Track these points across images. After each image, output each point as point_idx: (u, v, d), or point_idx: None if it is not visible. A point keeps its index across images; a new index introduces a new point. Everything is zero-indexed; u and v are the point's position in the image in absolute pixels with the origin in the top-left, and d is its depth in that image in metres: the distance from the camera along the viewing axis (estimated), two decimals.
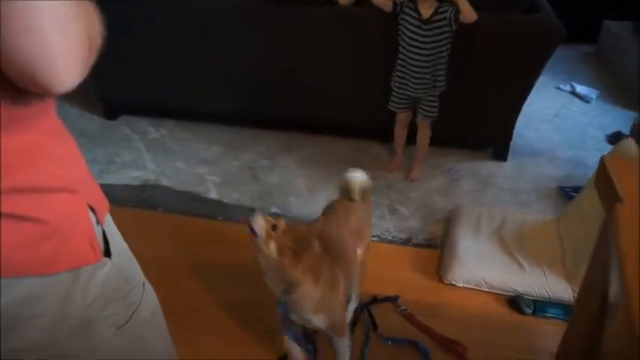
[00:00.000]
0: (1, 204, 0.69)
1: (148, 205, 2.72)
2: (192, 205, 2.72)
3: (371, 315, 2.07)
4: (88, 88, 3.47)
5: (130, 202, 2.73)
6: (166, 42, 3.04)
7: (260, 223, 1.48)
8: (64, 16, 0.62)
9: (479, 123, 2.98)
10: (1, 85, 0.65)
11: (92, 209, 0.83)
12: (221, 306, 2.12)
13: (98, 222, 0.85)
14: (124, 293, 0.92)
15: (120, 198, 2.74)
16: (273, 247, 1.48)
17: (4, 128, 0.68)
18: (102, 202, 0.89)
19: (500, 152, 3.09)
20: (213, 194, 2.81)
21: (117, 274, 0.89)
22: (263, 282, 1.60)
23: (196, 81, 3.19)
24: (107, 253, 0.87)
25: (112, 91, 3.39)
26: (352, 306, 1.97)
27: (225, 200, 2.76)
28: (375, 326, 2.03)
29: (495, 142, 3.12)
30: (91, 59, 0.71)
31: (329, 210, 1.90)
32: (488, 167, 3.03)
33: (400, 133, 2.90)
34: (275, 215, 1.56)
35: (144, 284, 1.01)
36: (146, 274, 2.09)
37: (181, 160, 3.08)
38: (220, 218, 2.62)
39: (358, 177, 1.96)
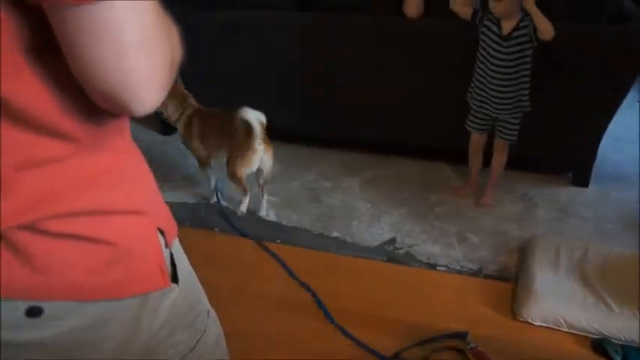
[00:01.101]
0: (72, 226, 0.72)
1: (203, 224, 2.78)
2: (249, 226, 2.75)
3: None
4: None
5: (185, 221, 2.80)
6: (222, 55, 3.13)
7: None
8: (150, 32, 0.63)
9: (558, 144, 2.89)
10: (78, 104, 0.67)
11: (161, 232, 0.85)
12: (265, 338, 2.11)
13: (167, 245, 0.87)
14: (189, 320, 0.93)
15: (176, 216, 2.77)
16: None
17: (79, 148, 0.70)
18: (171, 225, 0.91)
19: (582, 177, 2.99)
20: (272, 216, 2.84)
21: (183, 300, 0.90)
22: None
23: (256, 94, 3.24)
24: (174, 278, 0.88)
25: None
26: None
27: (284, 222, 2.78)
28: None
29: (576, 165, 3.02)
30: (172, 78, 0.72)
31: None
32: (568, 193, 2.93)
33: (475, 157, 2.84)
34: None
35: (208, 311, 1.02)
36: None
37: None
38: (278, 241, 2.64)
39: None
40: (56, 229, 0.72)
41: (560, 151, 2.93)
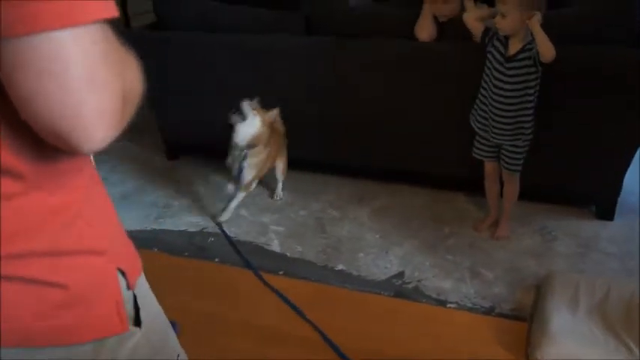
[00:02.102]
0: (21, 268, 0.70)
1: (204, 254, 2.77)
2: (252, 257, 2.73)
3: None
4: (149, 125, 3.65)
5: (185, 250, 2.79)
6: (230, 80, 3.14)
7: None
8: (99, 64, 0.61)
9: (580, 175, 2.84)
10: (28, 141, 0.66)
11: (122, 273, 0.83)
12: None
13: (129, 287, 0.85)
14: None
15: (175, 245, 2.81)
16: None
17: (30, 187, 0.69)
18: (134, 265, 0.89)
19: (606, 210, 2.92)
20: (275, 246, 2.82)
21: (147, 344, 0.88)
22: None
23: None
24: (137, 321, 0.87)
25: (175, 130, 3.53)
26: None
27: (288, 254, 2.76)
28: None
29: (600, 197, 2.96)
30: (128, 114, 0.71)
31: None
32: (590, 227, 2.87)
33: (491, 186, 2.80)
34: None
35: (178, 355, 1.00)
36: (196, 329, 2.11)
37: (243, 206, 3.12)
38: (281, 273, 2.61)
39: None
40: (5, 271, 0.70)
41: (583, 181, 2.88)
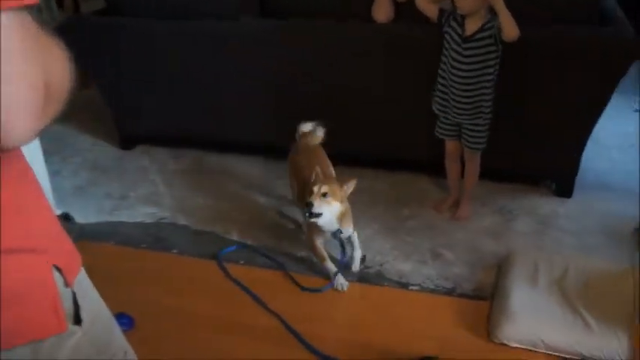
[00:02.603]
0: None
1: (161, 246, 2.74)
2: (211, 247, 2.71)
3: None
4: (104, 115, 3.59)
5: (142, 242, 2.76)
6: (187, 66, 3.11)
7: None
8: (6, 53, 0.59)
9: (538, 153, 2.89)
10: None
11: (59, 270, 0.82)
12: None
13: (67, 284, 0.83)
14: None
15: (132, 237, 2.78)
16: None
17: None
18: (72, 261, 0.87)
19: (564, 187, 2.99)
20: (235, 236, 2.80)
21: (88, 344, 0.87)
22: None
23: (220, 108, 3.23)
24: (77, 319, 0.85)
25: (129, 120, 3.48)
26: None
27: (248, 242, 2.75)
28: None
29: (558, 175, 3.02)
30: (53, 108, 0.69)
31: (308, 154, 2.64)
32: (548, 204, 2.93)
33: (452, 166, 2.83)
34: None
35: (125, 352, 0.99)
36: (155, 323, 2.09)
37: (202, 195, 3.11)
38: (242, 262, 2.60)
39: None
40: None
41: (541, 159, 2.93)
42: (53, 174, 3.15)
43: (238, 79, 3.07)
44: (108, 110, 3.49)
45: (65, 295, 0.83)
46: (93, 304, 0.91)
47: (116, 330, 0.99)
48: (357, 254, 2.50)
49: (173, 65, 3.14)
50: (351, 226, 2.44)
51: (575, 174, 2.93)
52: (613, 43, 2.56)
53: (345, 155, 3.21)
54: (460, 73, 2.48)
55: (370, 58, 2.86)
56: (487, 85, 2.49)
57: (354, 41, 2.85)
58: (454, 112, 2.59)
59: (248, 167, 3.33)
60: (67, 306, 0.84)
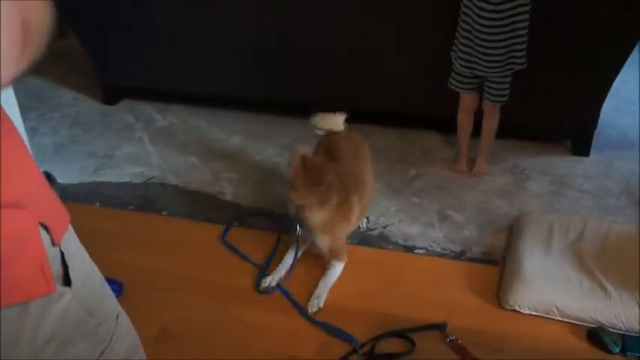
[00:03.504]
0: None
1: (150, 207, 2.74)
2: (203, 208, 2.71)
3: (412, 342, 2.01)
4: (84, 68, 3.54)
5: (129, 203, 2.75)
6: (172, 15, 3.05)
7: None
8: None
9: (554, 108, 2.88)
10: None
11: (45, 228, 0.81)
12: (232, 329, 2.10)
13: (54, 243, 0.82)
14: (89, 329, 0.90)
15: (118, 199, 2.77)
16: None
17: None
18: (59, 219, 0.86)
19: (581, 144, 2.98)
20: (228, 196, 2.80)
21: (79, 306, 0.87)
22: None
23: (209, 60, 3.19)
24: (66, 280, 0.84)
25: (112, 72, 3.43)
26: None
27: (242, 203, 2.75)
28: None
29: (575, 131, 3.01)
30: (31, 52, 0.66)
31: (330, 146, 2.42)
32: (564, 163, 2.93)
33: (465, 121, 2.81)
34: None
35: (118, 316, 0.98)
36: (145, 289, 2.10)
37: (192, 153, 3.10)
38: (236, 224, 2.61)
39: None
40: None
41: (557, 115, 2.92)
42: (31, 131, 3.13)
43: (230, 30, 3.02)
44: (88, 62, 3.44)
45: (53, 254, 0.82)
46: (83, 264, 0.91)
47: (108, 292, 0.98)
48: (321, 292, 2.22)
49: (160, 14, 3.08)
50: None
51: (594, 130, 2.92)
52: None
53: (348, 110, 3.21)
54: (489, 23, 2.42)
55: (372, 10, 2.81)
56: (521, 33, 2.45)
57: None
58: (482, 67, 2.55)
59: (238, 123, 3.30)
60: (55, 266, 0.83)
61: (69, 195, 2.77)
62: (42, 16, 0.68)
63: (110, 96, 3.55)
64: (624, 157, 2.95)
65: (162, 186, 2.88)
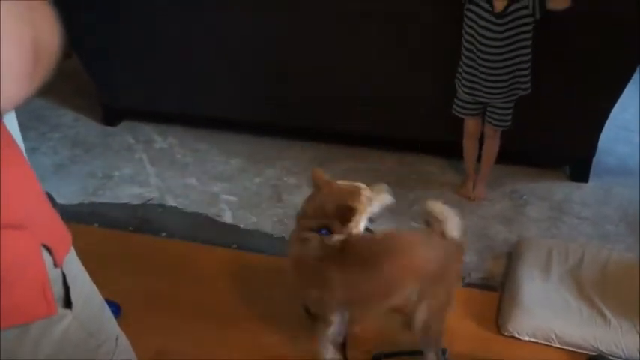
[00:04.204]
0: None
1: (149, 229, 2.74)
2: (202, 230, 2.71)
3: None
4: (86, 88, 3.55)
5: (128, 225, 2.75)
6: (174, 38, 3.08)
7: None
8: None
9: (553, 134, 2.89)
10: None
11: (48, 249, 0.81)
12: (230, 354, 2.08)
13: (56, 265, 0.82)
14: (89, 351, 0.90)
15: (117, 220, 2.77)
16: None
17: None
18: (62, 240, 0.86)
19: (580, 171, 2.99)
20: (227, 217, 2.80)
21: (79, 327, 0.87)
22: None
23: (210, 82, 3.21)
24: (67, 302, 0.84)
25: (114, 93, 3.44)
26: None
27: (241, 225, 2.75)
28: None
29: (574, 158, 3.02)
30: (43, 69, 0.67)
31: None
32: (563, 190, 2.93)
33: (471, 147, 2.83)
34: None
35: (117, 338, 0.98)
36: (143, 311, 2.08)
37: (192, 175, 3.10)
38: (234, 246, 2.60)
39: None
40: None
41: (556, 141, 2.93)
42: (31, 151, 3.13)
43: (230, 53, 3.05)
44: (90, 83, 3.45)
45: (54, 276, 0.82)
46: (84, 286, 0.91)
47: (107, 314, 0.98)
48: None
49: (160, 37, 3.11)
50: None
51: (592, 157, 2.93)
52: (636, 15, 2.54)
53: (349, 135, 3.22)
54: (493, 51, 2.45)
55: (374, 33, 2.83)
56: (525, 59, 2.47)
57: (356, 15, 2.81)
58: (485, 93, 2.57)
59: (239, 146, 3.31)
60: (57, 288, 0.83)
61: (68, 216, 2.72)
62: (52, 35, 0.68)
63: (111, 117, 3.56)
64: (623, 185, 2.96)
65: (161, 207, 2.88)
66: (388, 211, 2.74)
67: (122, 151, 3.32)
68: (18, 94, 0.62)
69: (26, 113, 3.45)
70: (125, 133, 3.48)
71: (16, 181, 0.80)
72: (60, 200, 2.87)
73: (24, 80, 0.62)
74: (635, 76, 2.67)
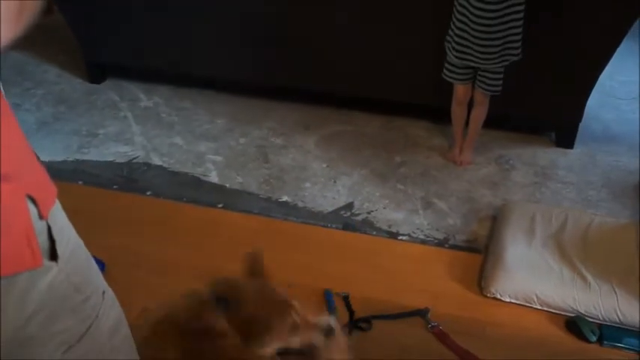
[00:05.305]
0: None
1: (134, 187, 2.72)
2: (188, 189, 2.70)
3: None
4: (70, 45, 3.49)
5: (113, 183, 2.73)
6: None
7: None
8: None
9: (539, 99, 2.88)
10: None
11: (33, 200, 0.79)
12: None
13: (41, 216, 0.81)
14: (75, 304, 0.89)
15: (101, 178, 2.75)
16: None
17: None
18: (47, 191, 0.85)
19: (566, 137, 3.00)
20: (213, 177, 2.79)
21: (65, 280, 0.86)
22: None
23: (196, 39, 3.16)
24: (53, 254, 0.83)
25: (98, 50, 3.39)
26: None
27: (227, 185, 2.74)
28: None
29: (560, 123, 3.02)
30: (28, 13, 0.66)
31: None
32: (548, 155, 2.95)
33: (460, 112, 2.81)
34: None
35: (104, 292, 0.97)
36: (127, 269, 2.08)
37: (177, 134, 3.08)
38: (220, 206, 2.60)
39: None
40: None
41: (543, 107, 2.92)
42: (13, 107, 3.04)
43: (218, 11, 3.00)
44: (74, 38, 3.39)
45: (39, 228, 0.81)
46: (70, 239, 0.89)
47: (94, 268, 0.97)
48: None
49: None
50: None
51: (578, 123, 2.93)
52: None
53: (335, 96, 3.20)
54: (487, 15, 2.42)
55: None
56: (517, 24, 2.45)
57: None
58: (477, 58, 2.54)
59: (225, 106, 3.28)
60: (42, 240, 0.82)
61: (52, 173, 2.67)
62: None
63: (95, 74, 3.50)
64: (607, 151, 2.97)
65: (146, 166, 2.86)
66: (373, 173, 2.77)
67: (107, 109, 3.28)
68: (6, 36, 0.61)
69: (10, 68, 3.39)
70: (110, 91, 3.43)
71: (4, 132, 0.78)
72: (43, 157, 2.78)
73: (11, 22, 0.61)
74: (623, 43, 2.65)
